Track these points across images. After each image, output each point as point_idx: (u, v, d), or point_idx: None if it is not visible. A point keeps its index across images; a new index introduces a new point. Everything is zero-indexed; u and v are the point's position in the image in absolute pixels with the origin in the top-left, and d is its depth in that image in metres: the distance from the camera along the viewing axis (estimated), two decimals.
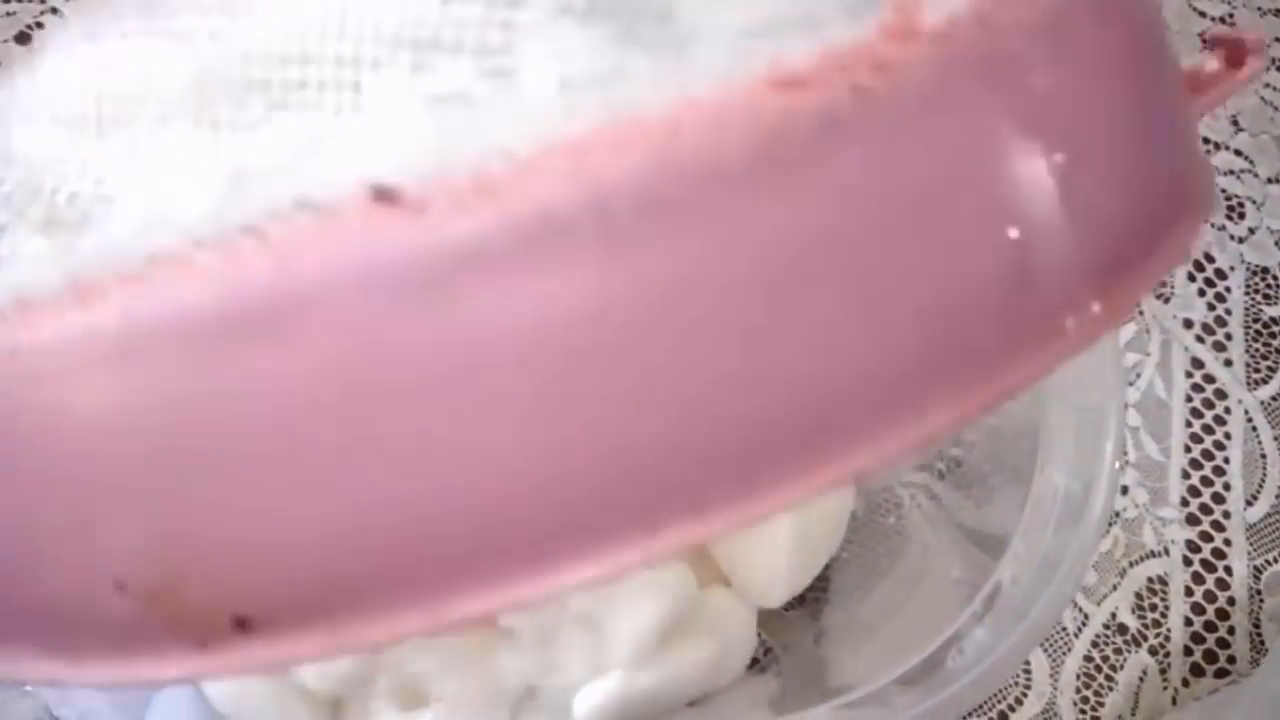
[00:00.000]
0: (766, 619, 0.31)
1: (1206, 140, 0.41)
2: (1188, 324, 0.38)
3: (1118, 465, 0.25)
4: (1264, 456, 0.36)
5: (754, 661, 0.31)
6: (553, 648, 0.27)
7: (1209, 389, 0.37)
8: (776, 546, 0.30)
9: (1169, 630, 0.33)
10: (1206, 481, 0.36)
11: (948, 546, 0.33)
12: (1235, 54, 0.19)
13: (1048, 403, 0.27)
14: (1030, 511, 0.27)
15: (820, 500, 0.30)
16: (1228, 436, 0.36)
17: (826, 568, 0.32)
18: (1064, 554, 0.25)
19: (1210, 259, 0.39)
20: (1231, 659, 0.33)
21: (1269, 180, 0.41)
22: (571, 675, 0.27)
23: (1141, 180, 0.16)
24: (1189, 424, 0.36)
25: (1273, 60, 0.43)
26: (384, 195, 0.13)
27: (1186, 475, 0.35)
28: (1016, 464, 0.34)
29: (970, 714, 0.31)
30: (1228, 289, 0.39)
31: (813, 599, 0.32)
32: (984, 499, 0.33)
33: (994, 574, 0.26)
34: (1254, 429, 0.36)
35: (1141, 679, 0.33)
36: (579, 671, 0.27)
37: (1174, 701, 0.33)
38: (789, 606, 0.31)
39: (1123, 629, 0.33)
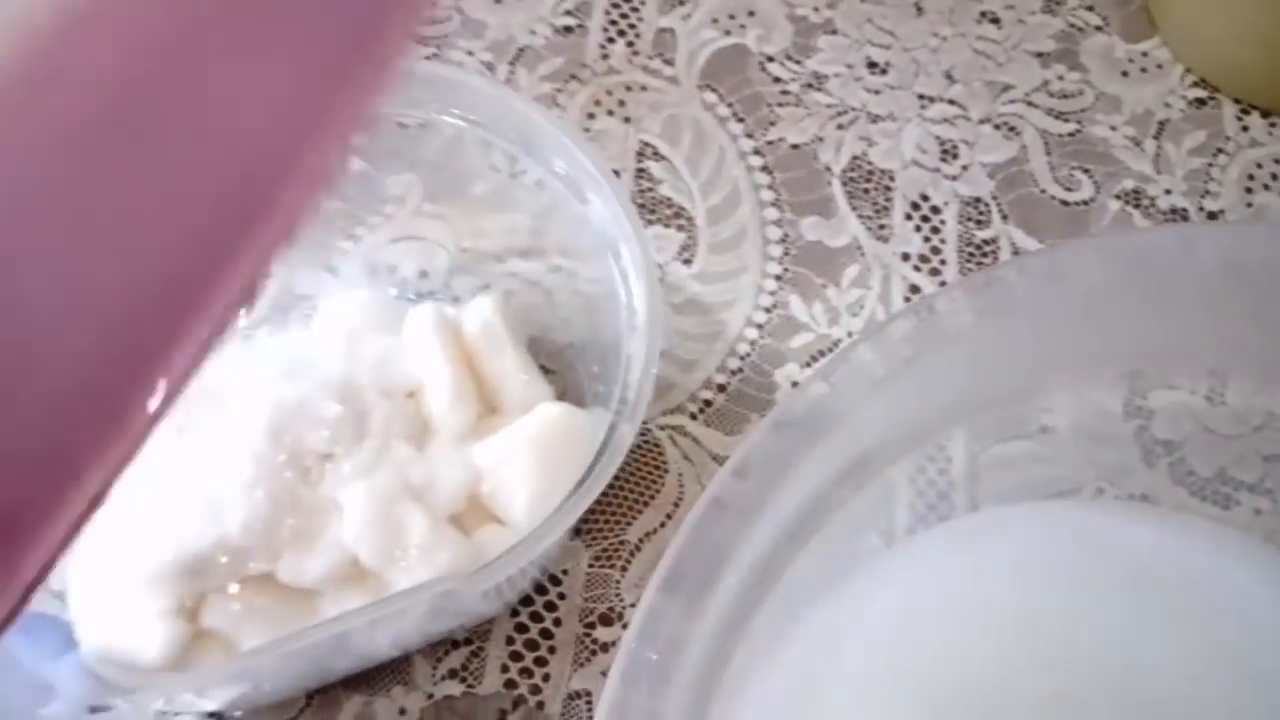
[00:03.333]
0: (551, 550, 0.38)
1: (922, 95, 0.47)
2: (905, 257, 0.44)
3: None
4: None
5: (540, 588, 0.38)
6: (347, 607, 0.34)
7: None
8: (523, 476, 0.36)
9: None
10: None
11: (702, 473, 0.40)
12: None
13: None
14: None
15: (557, 435, 0.37)
16: None
17: (598, 500, 0.39)
18: None
19: (926, 198, 0.45)
20: None
21: (980, 121, 0.47)
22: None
23: None
24: None
25: (984, 14, 0.50)
26: None
27: None
28: (753, 396, 0.40)
29: None
30: (942, 221, 0.45)
31: (586, 529, 0.39)
32: (732, 429, 0.40)
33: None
34: None
35: None
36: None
37: None
38: (570, 537, 0.38)
39: None
